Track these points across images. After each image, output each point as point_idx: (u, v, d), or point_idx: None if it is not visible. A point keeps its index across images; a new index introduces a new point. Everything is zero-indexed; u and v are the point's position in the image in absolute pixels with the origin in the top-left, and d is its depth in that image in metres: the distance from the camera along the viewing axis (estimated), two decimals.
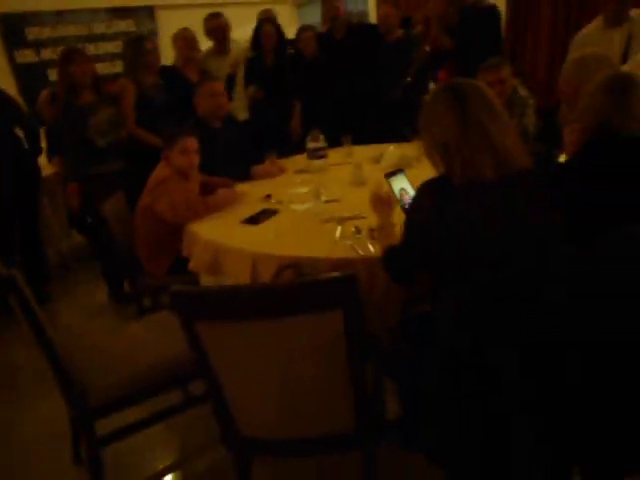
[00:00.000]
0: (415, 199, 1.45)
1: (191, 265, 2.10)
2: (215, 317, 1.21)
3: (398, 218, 1.65)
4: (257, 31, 3.75)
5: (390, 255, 1.53)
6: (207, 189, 2.54)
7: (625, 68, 3.10)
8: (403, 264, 1.50)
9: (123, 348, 1.90)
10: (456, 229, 1.33)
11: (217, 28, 3.81)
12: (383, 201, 1.70)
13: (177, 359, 1.76)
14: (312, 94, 3.95)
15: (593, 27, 3.29)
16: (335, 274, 1.13)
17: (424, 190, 1.42)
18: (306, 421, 1.39)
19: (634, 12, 3.10)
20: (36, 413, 2.33)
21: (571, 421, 1.21)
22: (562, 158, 1.98)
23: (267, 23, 3.78)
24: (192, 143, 2.45)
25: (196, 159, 2.46)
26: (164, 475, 1.95)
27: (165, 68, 3.49)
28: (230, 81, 3.76)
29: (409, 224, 1.44)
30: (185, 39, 3.57)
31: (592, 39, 3.25)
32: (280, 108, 3.84)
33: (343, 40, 4.02)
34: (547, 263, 1.21)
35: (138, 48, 3.20)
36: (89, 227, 3.43)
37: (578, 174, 1.83)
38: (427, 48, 3.91)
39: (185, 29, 3.63)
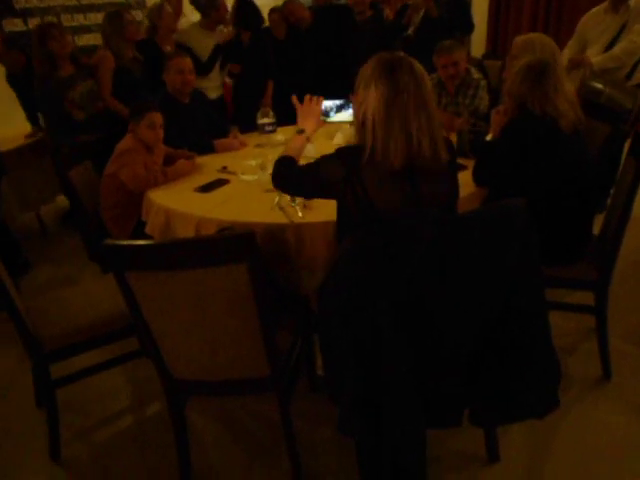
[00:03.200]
0: (330, 159, 1.53)
1: (147, 229, 2.27)
2: (139, 267, 1.38)
3: None
4: (238, 10, 3.86)
5: (287, 164, 1.66)
6: (170, 160, 2.69)
7: (598, 59, 3.19)
8: (293, 183, 1.65)
9: (81, 300, 2.08)
10: (363, 202, 1.48)
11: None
12: (312, 112, 1.82)
13: None
14: (284, 72, 4.13)
15: (598, 9, 3.34)
16: (237, 232, 1.29)
17: (338, 156, 1.51)
18: (226, 364, 1.57)
19: (635, 1, 3.11)
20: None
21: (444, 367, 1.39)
22: (489, 137, 2.13)
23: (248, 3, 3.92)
24: (158, 118, 2.59)
25: (161, 133, 2.61)
26: (118, 418, 2.14)
27: (143, 41, 3.60)
28: (217, 51, 3.81)
29: (317, 171, 1.53)
30: (171, 14, 3.66)
31: (593, 20, 3.33)
32: (255, 86, 3.99)
33: (309, 30, 4.24)
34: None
35: (118, 21, 3.33)
36: None
37: (498, 151, 2.00)
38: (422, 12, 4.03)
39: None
